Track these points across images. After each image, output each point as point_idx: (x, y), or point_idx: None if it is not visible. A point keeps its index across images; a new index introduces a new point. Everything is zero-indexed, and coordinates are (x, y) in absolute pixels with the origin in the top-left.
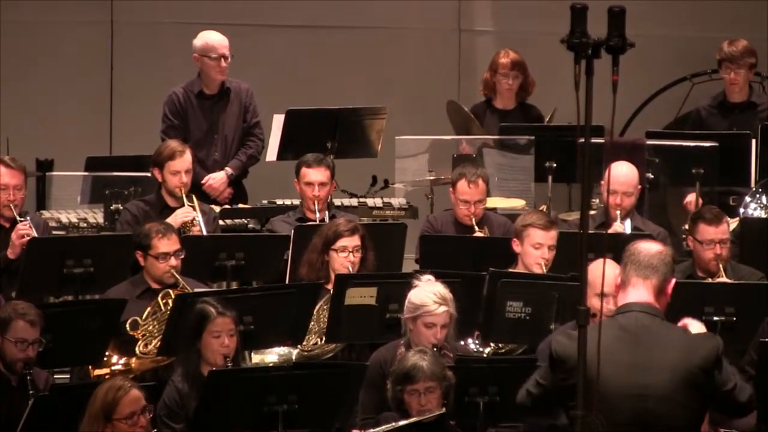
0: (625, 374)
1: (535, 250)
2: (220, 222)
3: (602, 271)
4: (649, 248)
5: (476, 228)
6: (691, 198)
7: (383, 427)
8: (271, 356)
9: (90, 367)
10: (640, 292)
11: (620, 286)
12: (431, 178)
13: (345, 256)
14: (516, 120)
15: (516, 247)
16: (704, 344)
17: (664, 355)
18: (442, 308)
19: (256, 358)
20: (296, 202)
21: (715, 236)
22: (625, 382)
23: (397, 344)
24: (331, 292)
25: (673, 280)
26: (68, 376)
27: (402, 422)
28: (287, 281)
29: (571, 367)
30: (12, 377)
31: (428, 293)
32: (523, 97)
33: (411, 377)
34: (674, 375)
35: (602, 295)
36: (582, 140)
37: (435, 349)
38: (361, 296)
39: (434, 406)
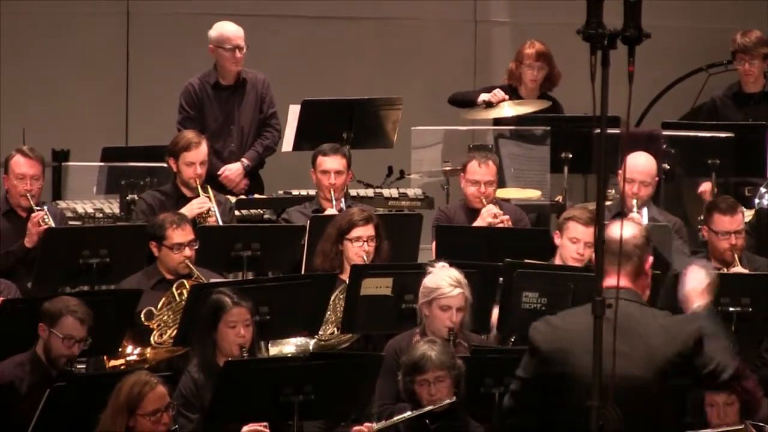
0: (604, 362)
1: (572, 244)
2: (236, 212)
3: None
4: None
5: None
6: (705, 187)
7: (396, 417)
8: (288, 347)
9: (105, 357)
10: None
11: None
12: (447, 168)
13: (359, 246)
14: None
15: (556, 239)
16: (684, 329)
17: (644, 344)
18: (457, 290)
19: (274, 349)
20: (312, 192)
21: (729, 226)
22: (603, 370)
23: (413, 332)
24: (347, 282)
25: (650, 258)
26: (83, 366)
27: (413, 412)
28: (303, 272)
29: (546, 356)
30: (53, 371)
31: (443, 276)
32: (549, 88)
33: (420, 367)
34: (652, 364)
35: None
36: (598, 131)
37: (449, 338)
38: (377, 286)
39: (445, 395)
